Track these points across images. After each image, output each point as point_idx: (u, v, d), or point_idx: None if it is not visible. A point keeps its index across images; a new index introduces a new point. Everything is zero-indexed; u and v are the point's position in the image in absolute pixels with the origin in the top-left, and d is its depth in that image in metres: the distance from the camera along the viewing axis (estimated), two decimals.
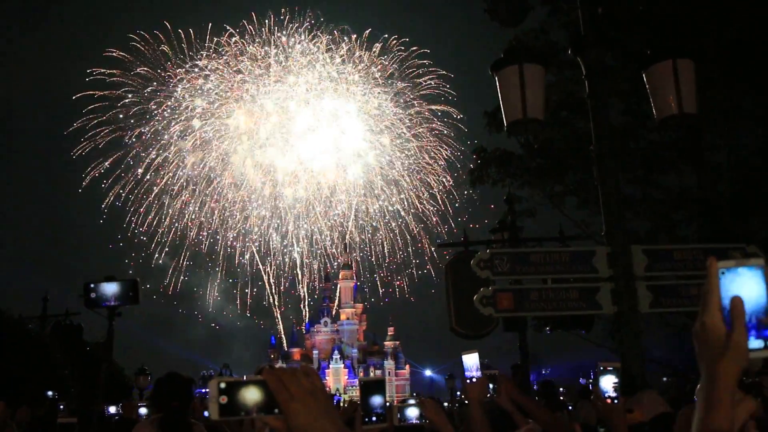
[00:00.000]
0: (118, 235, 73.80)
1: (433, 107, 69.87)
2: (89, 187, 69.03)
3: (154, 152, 69.71)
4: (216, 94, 69.20)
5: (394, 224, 76.78)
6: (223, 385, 1.19)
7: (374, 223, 77.25)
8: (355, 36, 68.18)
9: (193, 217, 74.07)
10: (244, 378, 1.23)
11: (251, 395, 1.19)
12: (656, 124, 5.65)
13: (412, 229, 75.95)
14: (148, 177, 70.60)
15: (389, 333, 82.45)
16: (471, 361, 3.39)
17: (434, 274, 76.08)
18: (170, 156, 70.39)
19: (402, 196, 74.70)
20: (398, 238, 77.54)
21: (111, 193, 69.50)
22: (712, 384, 1.17)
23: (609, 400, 2.88)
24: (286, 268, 79.16)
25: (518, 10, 5.79)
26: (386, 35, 69.23)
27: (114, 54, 66.44)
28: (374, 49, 68.79)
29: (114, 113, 66.79)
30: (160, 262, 75.89)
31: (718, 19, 11.39)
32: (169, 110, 68.58)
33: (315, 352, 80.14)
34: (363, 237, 78.67)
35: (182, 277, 77.87)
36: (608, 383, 3.03)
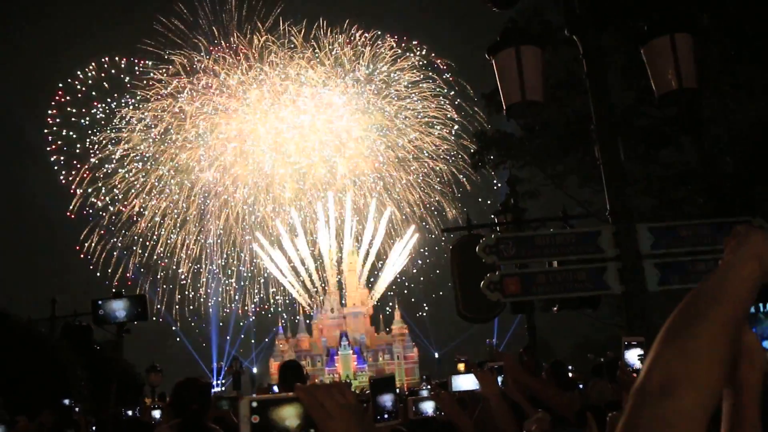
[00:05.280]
0: (121, 234, 73.93)
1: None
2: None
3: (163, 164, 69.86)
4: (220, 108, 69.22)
5: (398, 208, 76.82)
6: (254, 404, 1.14)
7: (379, 205, 77.32)
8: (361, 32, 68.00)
9: (197, 216, 74.18)
10: (273, 394, 1.20)
11: (284, 414, 1.15)
12: (656, 100, 5.60)
13: (415, 212, 76.01)
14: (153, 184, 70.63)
15: (396, 318, 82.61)
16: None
17: (439, 256, 76.28)
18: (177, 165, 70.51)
19: (408, 178, 74.70)
20: (402, 220, 77.62)
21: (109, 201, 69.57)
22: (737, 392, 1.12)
23: (635, 375, 2.82)
24: (292, 256, 79.43)
25: None
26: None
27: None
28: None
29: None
30: (166, 262, 76.13)
31: None
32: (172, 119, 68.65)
33: (323, 339, 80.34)
34: (368, 221, 78.77)
35: (191, 271, 78.09)
36: (634, 357, 3.00)
